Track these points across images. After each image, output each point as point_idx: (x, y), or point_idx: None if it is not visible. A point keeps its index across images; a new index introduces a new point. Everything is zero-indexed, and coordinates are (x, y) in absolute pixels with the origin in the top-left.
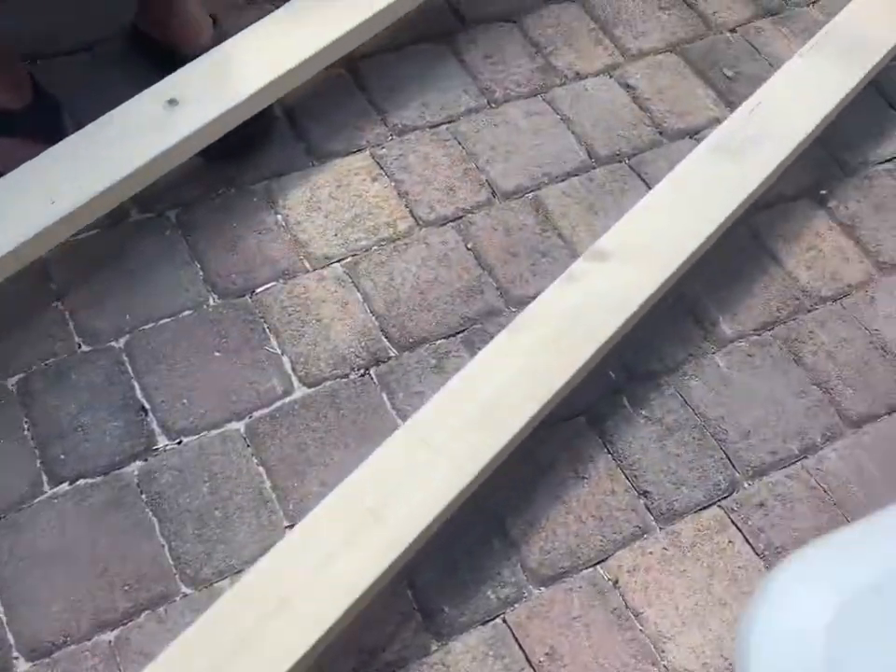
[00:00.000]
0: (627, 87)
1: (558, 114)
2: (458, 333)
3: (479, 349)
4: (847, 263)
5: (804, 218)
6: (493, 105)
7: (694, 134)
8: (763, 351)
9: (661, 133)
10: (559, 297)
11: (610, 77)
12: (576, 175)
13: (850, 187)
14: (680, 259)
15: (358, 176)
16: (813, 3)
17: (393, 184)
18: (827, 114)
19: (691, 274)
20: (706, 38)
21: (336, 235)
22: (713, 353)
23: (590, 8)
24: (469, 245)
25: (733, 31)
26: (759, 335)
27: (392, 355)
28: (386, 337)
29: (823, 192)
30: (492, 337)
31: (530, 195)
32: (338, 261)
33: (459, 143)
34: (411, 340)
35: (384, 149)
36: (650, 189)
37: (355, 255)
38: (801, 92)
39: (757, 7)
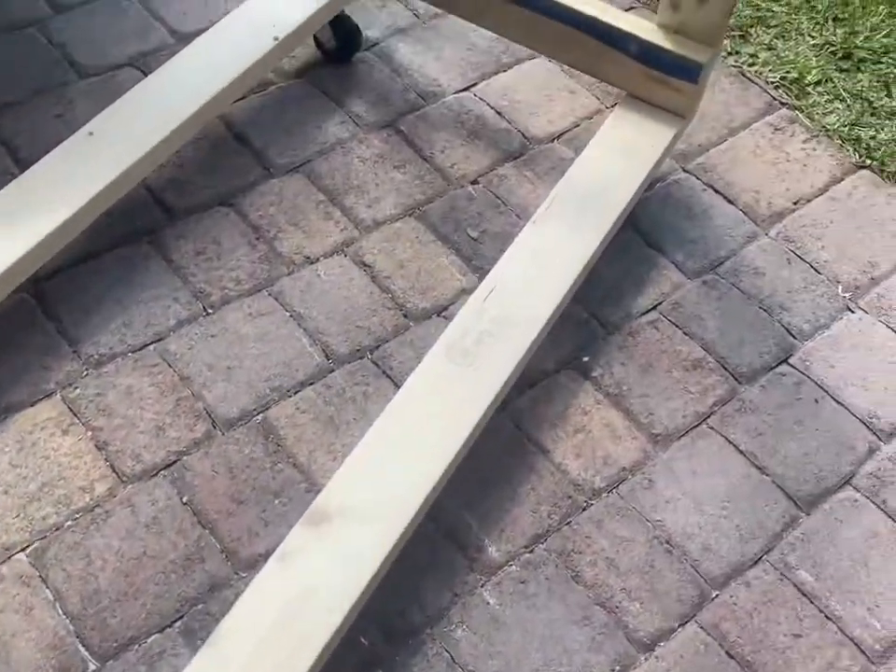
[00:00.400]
0: (364, 265)
1: (287, 310)
2: (175, 622)
3: (201, 640)
4: (619, 442)
5: (568, 394)
6: (209, 312)
7: (442, 311)
8: (538, 574)
9: (405, 316)
10: (269, 590)
11: (345, 255)
12: (311, 384)
13: (614, 347)
14: (418, 501)
15: (46, 431)
16: (557, 138)
17: (89, 434)
18: (571, 285)
19: (447, 489)
20: (445, 195)
21: (18, 516)
22: (482, 586)
23: (316, 178)
24: (185, 499)
25: (474, 182)
26: (531, 552)
27: (92, 668)
28: (84, 645)
29: (586, 359)
30: (217, 620)
31: (258, 418)
32: (21, 551)
33: (170, 366)
34: (115, 643)
35: (77, 390)
36: (397, 386)
37: (43, 538)
38: (539, 265)
39: (497, 152)
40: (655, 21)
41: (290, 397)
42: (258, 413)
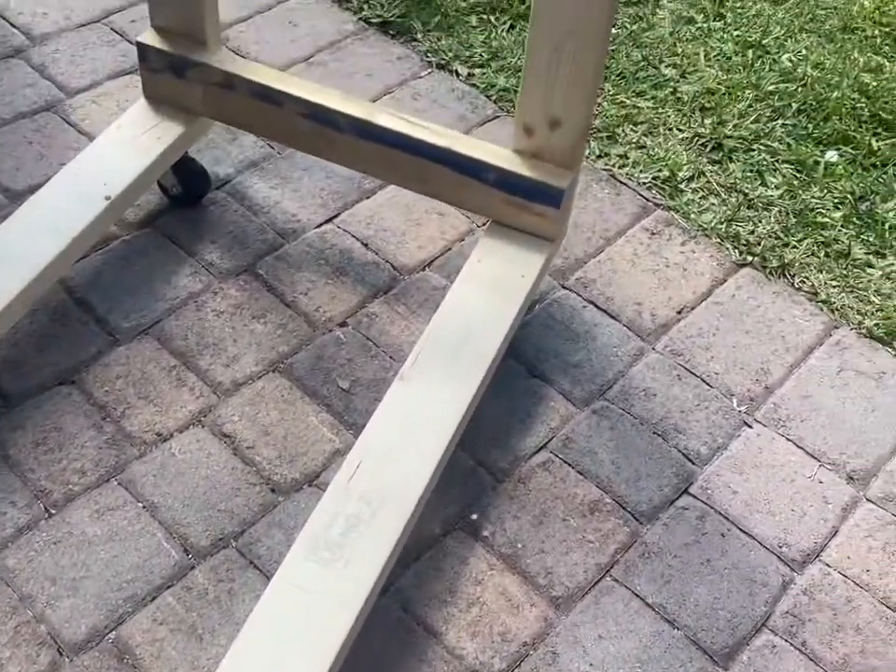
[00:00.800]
0: (224, 436)
1: (139, 501)
2: None
3: None
4: (518, 612)
5: (458, 562)
6: (51, 513)
7: (314, 479)
8: None
9: (273, 490)
10: None
11: (202, 426)
12: (170, 587)
13: (504, 498)
14: None
15: None
16: (428, 265)
17: None
18: (446, 448)
19: None
20: (312, 344)
21: None
22: None
23: (166, 340)
24: None
25: (343, 325)
26: None
27: None
28: None
29: (475, 516)
30: None
31: (111, 637)
32: None
33: (7, 585)
34: None
35: None
36: (267, 578)
37: None
38: (410, 429)
39: (365, 288)
40: (511, 146)
41: (146, 606)
42: (110, 631)
